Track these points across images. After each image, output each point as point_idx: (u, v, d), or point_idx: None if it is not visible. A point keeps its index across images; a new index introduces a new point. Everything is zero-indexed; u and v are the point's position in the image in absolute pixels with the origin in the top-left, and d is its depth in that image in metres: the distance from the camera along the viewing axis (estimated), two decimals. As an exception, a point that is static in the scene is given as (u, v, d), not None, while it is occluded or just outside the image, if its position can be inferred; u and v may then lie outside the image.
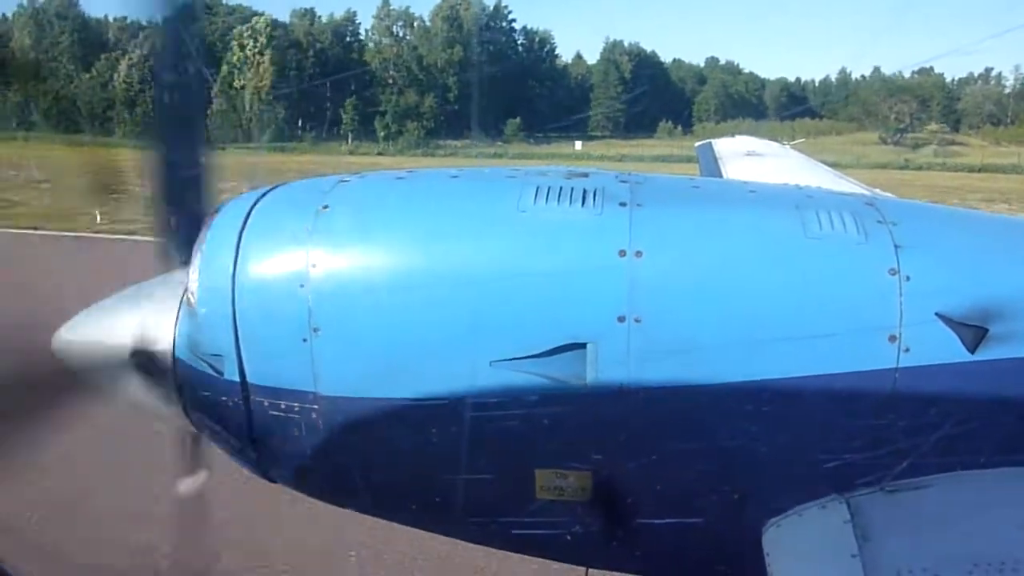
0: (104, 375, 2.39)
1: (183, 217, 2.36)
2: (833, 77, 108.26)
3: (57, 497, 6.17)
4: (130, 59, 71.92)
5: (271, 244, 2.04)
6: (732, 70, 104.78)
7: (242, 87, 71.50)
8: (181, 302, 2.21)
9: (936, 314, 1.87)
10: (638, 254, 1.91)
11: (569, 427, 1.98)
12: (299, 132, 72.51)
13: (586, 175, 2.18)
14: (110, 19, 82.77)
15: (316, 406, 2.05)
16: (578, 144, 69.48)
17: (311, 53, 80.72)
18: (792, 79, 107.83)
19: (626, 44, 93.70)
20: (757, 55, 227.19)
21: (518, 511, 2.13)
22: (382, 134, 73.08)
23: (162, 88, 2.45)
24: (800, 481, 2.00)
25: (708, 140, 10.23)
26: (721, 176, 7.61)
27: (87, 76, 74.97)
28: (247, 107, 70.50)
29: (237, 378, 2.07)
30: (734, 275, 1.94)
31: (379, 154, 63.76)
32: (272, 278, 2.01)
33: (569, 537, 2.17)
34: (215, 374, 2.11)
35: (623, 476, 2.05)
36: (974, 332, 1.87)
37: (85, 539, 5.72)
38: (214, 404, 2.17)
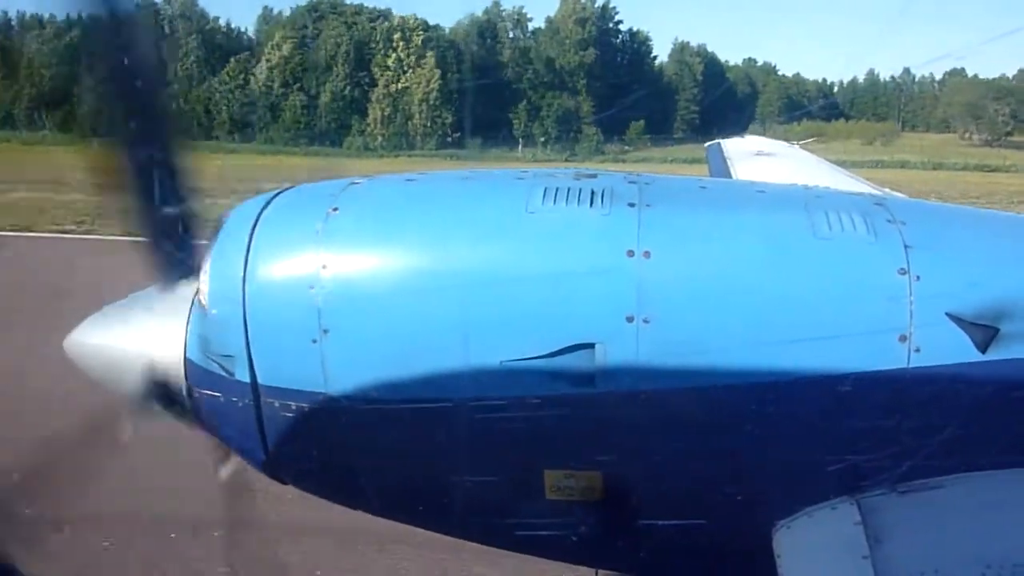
0: (115, 379, 2.42)
1: (164, 217, 2.29)
2: (861, 78, 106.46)
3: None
4: (268, 60, 69.34)
5: (282, 246, 2.05)
6: (768, 70, 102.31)
7: (401, 90, 68.45)
8: (192, 305, 2.23)
9: (947, 314, 1.87)
10: (647, 254, 1.91)
11: (578, 428, 1.99)
12: (466, 138, 67.80)
13: (594, 176, 2.18)
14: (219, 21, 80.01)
15: (326, 407, 2.06)
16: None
17: (468, 55, 76.14)
18: (819, 80, 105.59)
19: (694, 45, 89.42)
20: (787, 56, 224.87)
21: (527, 512, 2.14)
22: (542, 139, 69.10)
23: (119, 86, 2.31)
24: (810, 482, 1.99)
25: (717, 140, 10.21)
26: (730, 176, 7.59)
27: (217, 79, 71.15)
28: (413, 112, 67.51)
29: (247, 379, 2.09)
30: (743, 275, 1.93)
31: (567, 160, 58.64)
32: (282, 279, 2.02)
33: (578, 538, 2.17)
34: (226, 374, 2.12)
35: (632, 477, 2.05)
36: (985, 332, 1.86)
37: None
38: (224, 404, 2.18)
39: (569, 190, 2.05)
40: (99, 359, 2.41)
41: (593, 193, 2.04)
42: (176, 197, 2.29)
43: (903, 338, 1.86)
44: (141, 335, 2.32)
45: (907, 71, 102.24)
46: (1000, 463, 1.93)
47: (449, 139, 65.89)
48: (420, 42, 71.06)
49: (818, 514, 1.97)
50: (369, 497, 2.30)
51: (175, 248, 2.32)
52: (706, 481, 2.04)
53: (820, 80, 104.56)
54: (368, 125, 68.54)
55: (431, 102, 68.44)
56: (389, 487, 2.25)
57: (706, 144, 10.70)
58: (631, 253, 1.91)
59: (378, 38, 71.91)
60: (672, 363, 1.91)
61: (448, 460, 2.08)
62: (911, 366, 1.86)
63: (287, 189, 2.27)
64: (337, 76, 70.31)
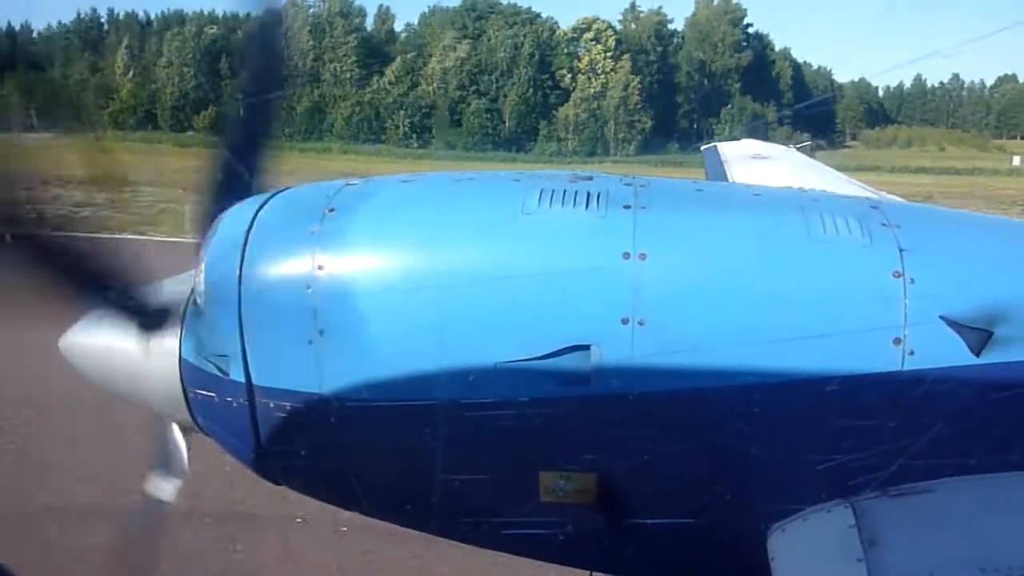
0: (110, 379, 2.41)
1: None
2: (908, 83, 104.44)
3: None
4: (441, 61, 66.45)
5: (277, 246, 2.05)
6: (826, 74, 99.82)
7: (598, 94, 65.87)
8: (187, 302, 2.22)
9: (941, 317, 1.87)
10: (642, 256, 1.91)
11: (573, 429, 1.99)
12: (662, 143, 65.11)
13: (590, 178, 2.19)
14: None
15: (321, 408, 2.05)
16: (1016, 159, 59.60)
17: (652, 57, 72.33)
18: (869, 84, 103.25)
19: (777, 49, 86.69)
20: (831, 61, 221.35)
21: (522, 513, 2.14)
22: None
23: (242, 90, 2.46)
24: (805, 484, 1.99)
25: (713, 143, 10.22)
26: (727, 179, 7.60)
27: (386, 81, 69.34)
28: (608, 116, 64.85)
29: (243, 379, 2.08)
30: (738, 278, 1.94)
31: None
32: (278, 280, 2.02)
33: (573, 539, 2.17)
34: (221, 375, 2.12)
35: (627, 478, 2.05)
36: (979, 335, 1.87)
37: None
38: (219, 405, 2.18)
39: (565, 192, 2.06)
40: (94, 359, 2.41)
41: (589, 195, 2.04)
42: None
43: (897, 340, 1.87)
44: (135, 335, 2.31)
45: (956, 76, 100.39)
46: (994, 466, 1.93)
47: (649, 143, 63.39)
48: (612, 43, 68.50)
49: (812, 516, 1.97)
50: (363, 498, 2.30)
51: None
52: (701, 483, 2.04)
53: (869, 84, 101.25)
54: (556, 130, 65.47)
55: (630, 106, 65.95)
56: (384, 488, 2.25)
57: (702, 147, 10.72)
58: (627, 255, 1.92)
59: (564, 39, 68.96)
60: (667, 365, 1.91)
61: (443, 461, 2.08)
62: (905, 368, 1.87)
63: (283, 190, 2.27)
64: (520, 79, 67.43)
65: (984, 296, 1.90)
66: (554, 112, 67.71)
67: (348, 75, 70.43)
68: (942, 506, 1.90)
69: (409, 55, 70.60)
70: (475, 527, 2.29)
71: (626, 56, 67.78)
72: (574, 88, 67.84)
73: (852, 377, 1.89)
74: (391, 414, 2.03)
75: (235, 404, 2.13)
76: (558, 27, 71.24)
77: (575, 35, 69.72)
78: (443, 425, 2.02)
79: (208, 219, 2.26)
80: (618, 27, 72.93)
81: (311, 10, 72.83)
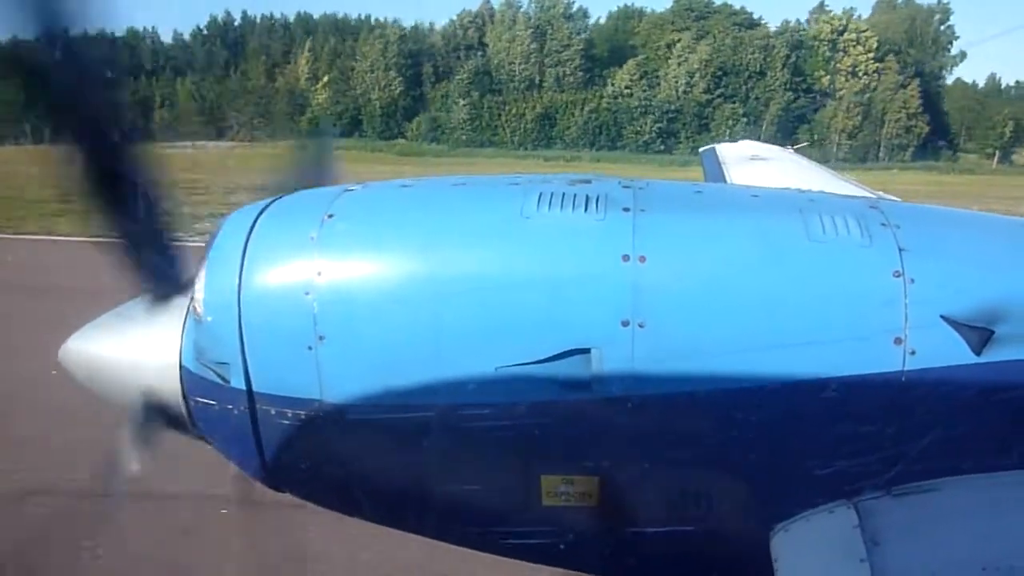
0: (110, 389, 2.40)
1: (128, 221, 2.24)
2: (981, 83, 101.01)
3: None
4: (680, 62, 62.48)
5: (277, 252, 2.05)
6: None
7: (864, 98, 62.47)
8: (187, 311, 2.22)
9: (941, 316, 1.87)
10: (641, 259, 1.91)
11: (574, 433, 1.98)
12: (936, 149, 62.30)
13: (589, 181, 2.18)
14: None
15: (321, 414, 2.05)
16: None
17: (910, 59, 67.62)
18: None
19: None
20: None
21: (524, 518, 2.13)
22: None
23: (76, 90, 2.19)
24: (807, 485, 1.99)
25: (712, 145, 10.24)
26: (725, 181, 7.61)
27: (612, 83, 65.31)
28: (884, 120, 61.10)
29: (243, 386, 2.08)
30: (738, 279, 1.94)
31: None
32: (278, 286, 2.02)
33: (575, 544, 2.16)
34: (221, 382, 2.12)
35: (628, 482, 2.05)
36: (980, 334, 1.86)
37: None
38: (220, 412, 2.18)
39: (564, 195, 2.05)
40: (94, 369, 2.40)
41: (588, 198, 2.04)
42: None
43: (898, 341, 1.87)
44: (136, 344, 2.31)
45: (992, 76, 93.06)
46: (997, 465, 1.93)
47: (925, 148, 59.76)
48: (874, 44, 65.00)
49: (815, 518, 1.97)
50: (365, 504, 2.29)
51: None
52: (703, 485, 2.04)
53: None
54: (819, 135, 61.35)
55: (911, 109, 62.25)
56: (385, 494, 2.25)
57: (701, 149, 10.74)
58: (626, 258, 1.91)
59: (821, 39, 64.82)
60: (668, 368, 1.91)
61: (444, 466, 2.08)
62: (906, 369, 1.87)
63: (282, 196, 2.27)
64: (777, 82, 63.95)
65: (985, 295, 1.90)
66: (811, 116, 64.43)
67: (572, 79, 68.34)
68: (945, 506, 1.89)
69: (638, 57, 67.86)
70: (477, 532, 2.29)
71: (891, 57, 64.53)
72: (831, 91, 64.60)
73: (853, 378, 1.88)
74: (391, 419, 2.03)
75: (235, 411, 2.13)
76: (804, 27, 67.58)
77: (832, 36, 66.26)
78: (444, 430, 2.01)
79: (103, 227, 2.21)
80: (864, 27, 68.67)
81: (527, 11, 71.22)
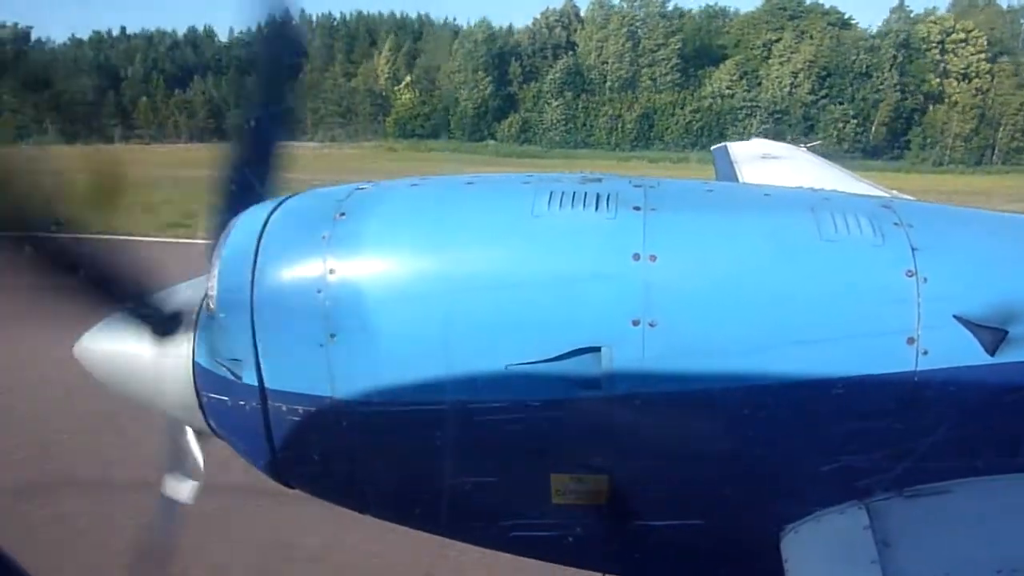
0: (125, 384, 2.43)
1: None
2: None
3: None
4: (783, 61, 60.41)
5: (289, 250, 2.06)
6: None
7: (977, 100, 60.85)
8: (200, 307, 2.24)
9: (954, 316, 1.86)
10: (652, 258, 1.91)
11: (584, 431, 1.98)
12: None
13: (600, 180, 2.18)
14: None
15: (332, 411, 2.06)
16: None
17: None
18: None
19: None
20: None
21: (533, 516, 2.14)
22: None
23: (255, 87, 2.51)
24: (818, 486, 1.98)
25: (723, 144, 10.20)
26: (737, 179, 7.58)
27: (710, 83, 64.39)
28: (997, 122, 59.51)
29: (255, 383, 2.10)
30: (749, 278, 1.93)
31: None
32: (290, 284, 2.03)
33: (584, 541, 2.16)
34: (234, 378, 2.13)
35: (638, 480, 2.05)
36: (993, 334, 1.85)
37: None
38: (232, 408, 2.19)
39: (575, 194, 2.06)
40: (109, 364, 2.43)
41: (599, 197, 2.04)
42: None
43: (911, 340, 1.86)
44: (149, 341, 2.33)
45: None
46: (1009, 467, 1.92)
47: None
48: (983, 44, 63.20)
49: (826, 518, 1.96)
50: (375, 501, 2.31)
51: None
52: (713, 485, 2.04)
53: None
54: (933, 137, 60.18)
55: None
56: (395, 491, 2.26)
57: (713, 147, 10.70)
58: (637, 257, 1.91)
59: (929, 40, 63.25)
60: (678, 367, 1.91)
61: (454, 464, 2.08)
62: (919, 368, 1.86)
63: (294, 195, 2.29)
64: (883, 83, 62.37)
65: (998, 295, 1.89)
66: (920, 118, 62.77)
67: (669, 79, 67.14)
68: (957, 507, 1.88)
69: (738, 57, 66.42)
70: (486, 530, 2.29)
71: (1005, 58, 62.93)
72: (941, 93, 63.14)
73: (865, 378, 1.87)
74: (402, 417, 2.04)
75: (248, 408, 2.15)
76: (907, 28, 65.96)
77: (941, 36, 64.58)
78: (454, 428, 2.02)
79: (219, 225, 2.27)
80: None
81: (619, 9, 69.97)
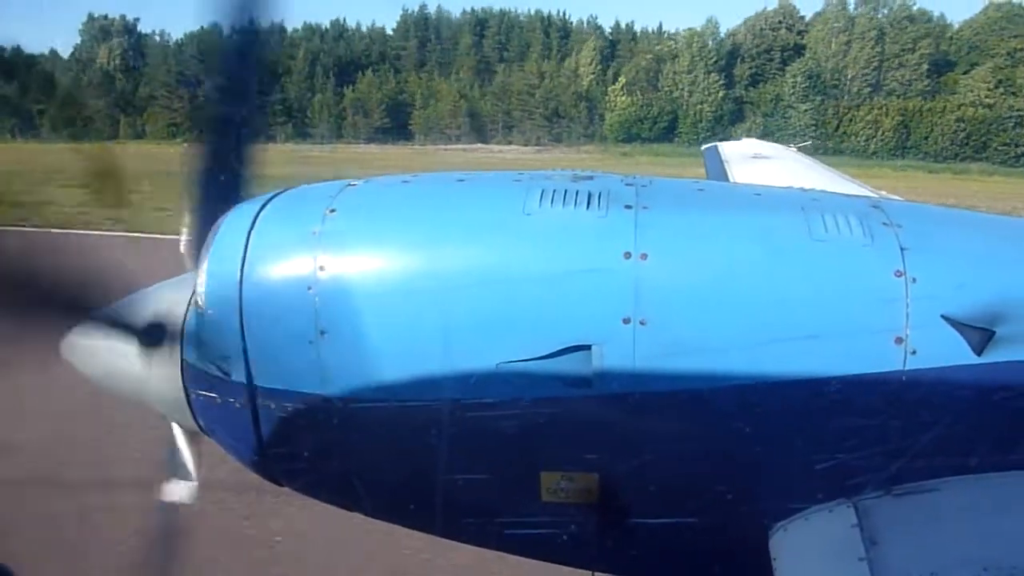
0: (114, 379, 2.41)
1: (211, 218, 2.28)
2: None
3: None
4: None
5: (279, 247, 2.05)
6: None
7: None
8: (189, 304, 2.22)
9: (942, 316, 1.87)
10: (643, 256, 1.91)
11: (574, 429, 1.99)
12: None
13: (591, 178, 2.18)
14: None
15: (322, 408, 2.05)
16: None
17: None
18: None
19: None
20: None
21: (523, 514, 2.13)
22: None
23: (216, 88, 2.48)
24: (807, 484, 1.99)
25: (714, 143, 10.23)
26: (727, 179, 7.61)
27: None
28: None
29: (244, 380, 2.08)
30: (739, 277, 1.94)
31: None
32: (279, 280, 2.02)
33: (574, 540, 2.17)
34: (222, 376, 2.12)
35: (628, 479, 2.05)
36: (981, 334, 1.86)
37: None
38: (221, 406, 2.18)
39: (566, 192, 2.06)
40: (96, 360, 2.40)
41: (590, 195, 2.04)
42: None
43: (899, 340, 1.87)
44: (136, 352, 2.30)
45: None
46: (997, 465, 1.93)
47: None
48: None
49: (814, 516, 1.97)
50: (365, 499, 2.30)
51: None
52: (702, 483, 2.04)
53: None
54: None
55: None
56: (385, 489, 2.25)
57: (703, 147, 10.73)
58: (628, 255, 1.92)
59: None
60: (669, 365, 1.91)
61: (444, 462, 2.08)
62: (907, 368, 1.87)
63: (284, 191, 2.27)
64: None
65: (986, 295, 1.90)
66: None
67: (919, 85, 63.92)
68: (944, 505, 1.89)
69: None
70: (477, 528, 2.29)
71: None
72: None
73: (854, 377, 1.88)
74: (392, 414, 2.03)
75: (237, 405, 2.13)
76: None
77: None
78: (444, 425, 2.02)
79: (204, 222, 2.24)
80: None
81: (861, 11, 66.76)
